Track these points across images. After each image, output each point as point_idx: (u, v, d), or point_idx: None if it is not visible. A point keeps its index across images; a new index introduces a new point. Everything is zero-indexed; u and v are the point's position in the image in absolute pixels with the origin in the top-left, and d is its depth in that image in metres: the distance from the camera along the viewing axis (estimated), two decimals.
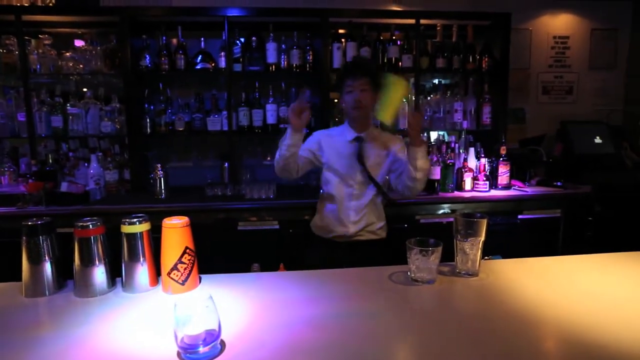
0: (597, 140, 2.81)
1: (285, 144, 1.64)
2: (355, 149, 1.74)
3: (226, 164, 2.59)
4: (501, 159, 2.48)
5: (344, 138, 1.78)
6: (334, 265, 1.32)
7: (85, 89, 2.54)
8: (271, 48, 2.52)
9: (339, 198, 1.76)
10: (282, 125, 2.58)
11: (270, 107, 2.56)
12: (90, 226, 1.02)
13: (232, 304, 0.97)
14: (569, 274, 1.15)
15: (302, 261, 1.83)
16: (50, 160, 2.38)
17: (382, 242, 1.81)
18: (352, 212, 1.74)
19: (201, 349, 0.72)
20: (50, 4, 2.47)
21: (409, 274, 1.10)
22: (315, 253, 1.82)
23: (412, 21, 2.57)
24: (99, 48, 2.49)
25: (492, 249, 1.55)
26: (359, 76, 1.69)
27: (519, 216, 2.37)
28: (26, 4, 2.45)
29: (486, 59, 2.69)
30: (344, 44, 2.56)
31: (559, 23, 3.12)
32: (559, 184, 2.53)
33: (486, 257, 1.32)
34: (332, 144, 1.79)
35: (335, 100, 2.70)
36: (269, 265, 2.05)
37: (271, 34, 2.52)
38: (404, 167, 1.71)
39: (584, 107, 3.20)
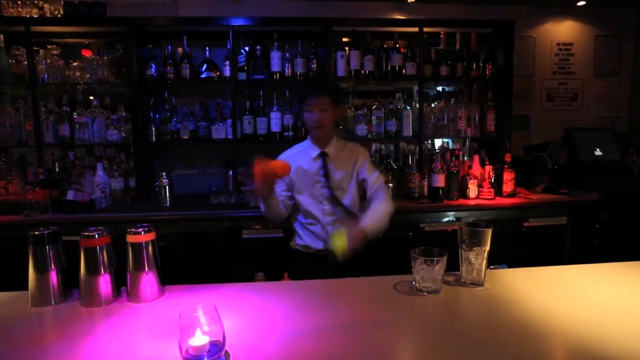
0: (602, 146, 2.80)
1: (264, 210, 1.64)
2: (320, 164, 1.73)
3: (231, 172, 2.60)
4: (506, 166, 2.47)
5: (308, 155, 1.76)
6: (319, 277, 1.28)
7: (91, 98, 2.57)
8: (275, 57, 2.54)
9: (313, 215, 1.73)
10: (286, 134, 2.60)
11: (275, 115, 2.58)
12: (96, 236, 1.03)
13: (236, 314, 0.97)
14: (576, 284, 1.14)
15: (291, 273, 1.81)
16: (57, 169, 2.41)
17: (362, 255, 1.78)
18: (330, 227, 1.73)
19: None
20: (59, 15, 2.51)
21: (413, 283, 1.10)
22: (300, 267, 1.80)
23: (416, 29, 2.59)
24: (105, 58, 2.53)
25: (498, 258, 1.54)
26: (318, 95, 1.66)
27: (525, 224, 2.36)
28: (35, 15, 2.49)
29: (490, 66, 2.70)
30: (347, 52, 2.58)
31: (563, 30, 3.12)
32: (564, 191, 2.52)
33: (492, 267, 1.31)
34: (298, 165, 1.75)
35: None
36: (273, 274, 2.05)
37: (275, 43, 2.54)
38: (367, 187, 1.73)
39: (589, 114, 3.19)
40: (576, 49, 3.14)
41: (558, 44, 3.12)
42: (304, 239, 1.78)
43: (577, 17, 3.11)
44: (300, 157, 1.77)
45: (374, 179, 1.75)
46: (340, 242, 1.47)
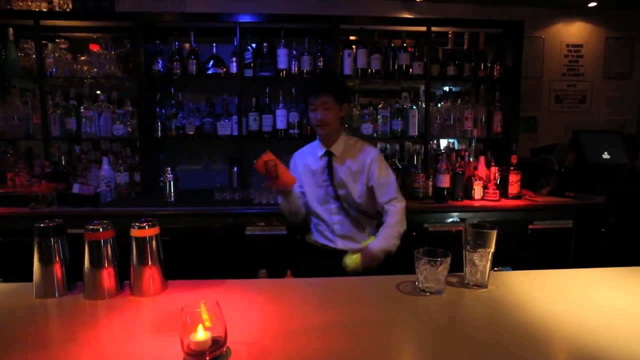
0: (611, 150, 2.77)
1: (282, 205, 1.68)
2: (325, 163, 1.72)
3: (235, 169, 2.61)
4: (512, 167, 2.45)
5: (315, 154, 1.77)
6: (329, 274, 1.30)
7: (98, 92, 2.59)
8: (282, 54, 2.54)
9: (321, 214, 1.74)
10: (291, 131, 2.59)
11: (280, 113, 2.57)
12: (101, 229, 1.04)
13: (239, 310, 0.97)
14: (581, 288, 1.12)
15: (300, 266, 1.82)
16: (63, 162, 2.42)
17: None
18: (337, 226, 1.72)
19: (207, 356, 0.72)
20: (68, 9, 2.52)
21: (416, 283, 1.09)
22: (311, 262, 1.81)
23: (424, 28, 2.57)
24: (113, 52, 2.54)
25: (502, 260, 1.53)
26: (321, 94, 1.66)
27: (530, 226, 2.34)
28: (44, 9, 2.50)
29: (498, 67, 2.67)
30: (354, 50, 2.57)
31: (573, 31, 3.09)
32: (571, 194, 2.49)
33: (496, 269, 1.30)
34: (305, 163, 1.79)
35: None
36: (276, 271, 2.05)
37: (282, 40, 2.54)
38: (378, 195, 1.73)
39: (598, 116, 3.16)
40: (586, 50, 3.10)
41: (568, 46, 3.09)
42: (315, 234, 1.81)
43: (587, 19, 3.07)
44: (309, 155, 1.79)
45: (384, 189, 1.72)
46: (353, 263, 1.53)
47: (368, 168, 1.73)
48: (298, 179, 1.75)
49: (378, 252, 1.56)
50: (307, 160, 1.77)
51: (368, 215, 1.80)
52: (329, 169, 1.72)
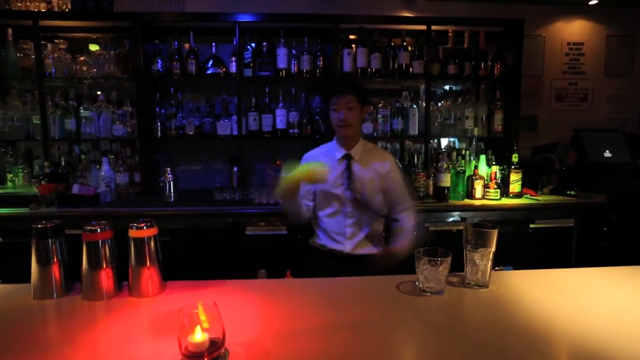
0: (612, 148, 2.75)
1: (283, 205, 1.66)
2: (344, 166, 1.71)
3: (235, 169, 2.60)
4: (513, 166, 2.44)
5: (332, 156, 1.74)
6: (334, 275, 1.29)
7: (98, 93, 2.58)
8: (282, 53, 2.53)
9: (332, 217, 1.72)
10: (291, 131, 2.59)
11: (280, 112, 2.57)
12: (98, 230, 1.03)
13: (237, 311, 0.96)
14: (583, 287, 1.12)
15: (305, 270, 1.81)
16: (63, 163, 2.42)
17: (378, 256, 1.76)
18: (349, 229, 1.71)
19: (205, 358, 0.71)
20: (66, 10, 2.51)
21: (417, 283, 1.09)
22: (317, 265, 1.79)
23: (424, 27, 2.56)
24: (112, 52, 2.53)
25: (503, 260, 1.52)
26: (345, 93, 1.63)
27: (531, 225, 2.33)
28: (43, 10, 2.50)
29: (498, 66, 2.66)
30: (354, 49, 2.56)
31: (574, 29, 3.07)
32: (572, 193, 2.48)
33: (497, 268, 1.29)
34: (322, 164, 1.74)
35: None
36: (275, 271, 2.05)
37: (282, 40, 2.53)
38: (394, 203, 1.73)
39: (599, 115, 3.14)
40: (587, 48, 3.08)
41: (568, 44, 3.07)
42: (321, 238, 1.76)
43: (588, 16, 3.06)
44: (323, 157, 1.75)
45: (401, 198, 1.74)
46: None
47: (387, 175, 1.73)
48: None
49: (401, 250, 1.57)
50: (324, 161, 1.73)
51: (379, 220, 1.79)
52: (349, 172, 1.69)
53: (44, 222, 1.04)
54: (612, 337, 0.84)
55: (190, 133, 2.57)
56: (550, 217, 2.35)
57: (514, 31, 2.64)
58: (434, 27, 2.57)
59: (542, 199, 2.42)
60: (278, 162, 2.61)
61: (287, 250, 2.18)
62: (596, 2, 2.93)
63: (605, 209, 2.39)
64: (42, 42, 2.45)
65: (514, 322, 0.91)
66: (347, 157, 1.71)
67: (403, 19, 2.71)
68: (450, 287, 1.10)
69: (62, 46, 2.53)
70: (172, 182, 2.34)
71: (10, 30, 2.42)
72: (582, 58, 3.09)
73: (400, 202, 1.75)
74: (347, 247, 1.72)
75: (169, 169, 2.37)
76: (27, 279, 1.08)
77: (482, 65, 2.64)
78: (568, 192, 2.50)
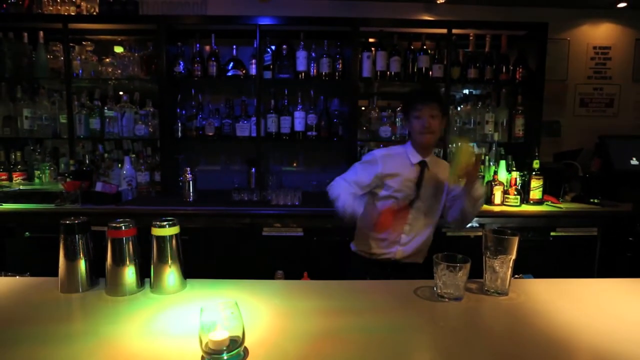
0: (639, 156, 2.67)
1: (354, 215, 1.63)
2: (418, 173, 1.68)
3: (253, 170, 2.63)
4: (534, 173, 2.39)
5: (407, 160, 1.70)
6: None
7: (121, 93, 2.66)
8: (301, 56, 2.55)
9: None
10: (309, 133, 2.60)
11: (299, 115, 2.59)
12: (123, 227, 1.06)
13: (256, 311, 0.97)
14: (606, 299, 1.09)
15: (347, 276, 1.78)
16: (87, 161, 2.49)
17: (419, 265, 1.76)
18: (404, 236, 1.70)
19: (225, 355, 0.73)
20: (94, 13, 2.60)
21: (435, 289, 1.08)
22: (359, 270, 1.76)
23: (444, 31, 2.54)
24: (136, 54, 2.60)
25: (523, 267, 1.49)
26: (430, 102, 1.64)
27: (552, 233, 2.28)
28: (72, 13, 2.59)
29: (520, 70, 2.62)
30: (373, 53, 2.56)
31: (600, 33, 2.99)
32: (596, 201, 2.42)
33: (516, 276, 1.27)
34: (394, 166, 1.70)
35: (363, 108, 2.70)
36: (292, 273, 2.06)
37: (301, 43, 2.55)
38: (457, 201, 1.68)
39: (626, 121, 3.05)
40: (614, 52, 3.00)
41: (594, 48, 2.99)
42: (369, 244, 1.72)
43: (616, 20, 2.98)
44: (399, 160, 1.71)
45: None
46: (464, 158, 1.49)
47: (448, 187, 1.73)
48: (388, 179, 1.70)
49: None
50: (397, 163, 1.70)
51: (433, 229, 1.78)
52: (421, 180, 1.67)
53: (72, 218, 1.08)
54: (636, 350, 0.81)
55: (210, 134, 2.61)
56: (573, 226, 2.29)
57: (538, 35, 2.59)
58: (454, 31, 2.55)
59: (564, 206, 2.36)
60: (295, 164, 2.63)
61: (303, 252, 2.19)
62: (625, 4, 2.85)
63: (631, 219, 2.31)
64: (71, 44, 2.54)
65: (534, 332, 0.89)
66: (423, 164, 1.69)
67: (423, 23, 2.69)
68: (469, 294, 1.08)
69: (89, 48, 2.62)
70: (191, 182, 2.38)
71: (41, 33, 2.52)
72: (609, 62, 3.01)
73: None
74: (398, 254, 1.70)
75: (188, 169, 2.42)
76: (51, 273, 1.12)
77: (504, 70, 2.60)
78: (591, 200, 2.43)
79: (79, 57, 2.57)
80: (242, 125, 2.61)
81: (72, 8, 2.60)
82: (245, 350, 0.77)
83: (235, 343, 0.74)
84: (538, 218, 2.30)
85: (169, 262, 1.07)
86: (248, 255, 2.22)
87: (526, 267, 1.86)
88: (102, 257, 1.08)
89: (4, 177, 2.52)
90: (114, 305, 1.01)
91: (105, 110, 2.57)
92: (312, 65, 2.59)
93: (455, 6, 2.85)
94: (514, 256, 1.08)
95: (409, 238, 1.69)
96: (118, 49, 2.68)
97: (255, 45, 2.54)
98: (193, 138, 2.64)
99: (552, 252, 2.27)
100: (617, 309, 1.02)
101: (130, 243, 1.07)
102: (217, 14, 2.77)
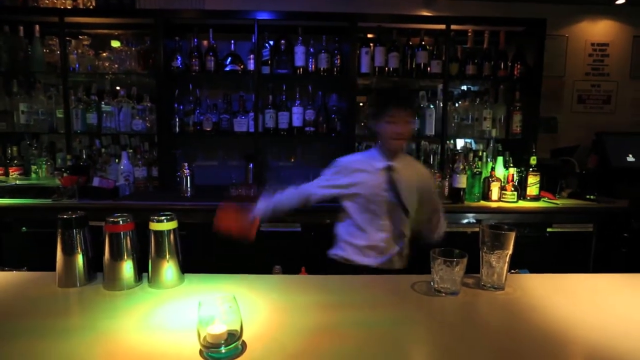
0: (636, 152, 2.68)
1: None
2: (386, 177, 1.65)
3: (251, 165, 2.62)
4: (531, 169, 2.40)
5: (373, 166, 1.68)
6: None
7: (118, 88, 2.64)
8: (299, 51, 2.54)
9: (364, 229, 1.66)
10: (307, 129, 2.60)
11: (297, 110, 2.58)
12: (121, 222, 1.06)
13: (254, 305, 0.98)
14: (601, 293, 1.10)
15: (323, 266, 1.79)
16: (84, 156, 2.48)
17: (401, 271, 1.71)
18: (382, 244, 1.69)
19: (223, 349, 0.73)
20: (91, 7, 2.58)
21: (432, 284, 1.08)
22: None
23: (443, 26, 2.53)
24: (133, 49, 2.58)
25: (519, 263, 1.51)
26: (406, 108, 1.62)
27: (548, 229, 2.29)
28: (69, 7, 2.56)
29: (518, 66, 2.62)
30: (372, 48, 2.56)
31: (598, 29, 3.00)
32: (592, 197, 2.43)
33: (513, 271, 1.28)
34: (360, 173, 1.68)
35: (361, 104, 2.70)
36: (290, 268, 2.07)
37: (300, 38, 2.54)
38: (431, 214, 1.69)
39: (623, 118, 3.06)
40: (612, 49, 3.00)
41: (592, 44, 3.00)
42: (347, 250, 1.70)
43: (614, 16, 2.98)
44: (362, 166, 1.69)
45: (435, 203, 1.73)
46: None
47: (424, 187, 1.70)
48: (353, 186, 1.67)
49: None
50: (363, 170, 1.67)
51: (408, 238, 1.77)
52: (392, 184, 1.65)
53: (69, 212, 1.07)
54: (631, 344, 0.82)
55: (208, 129, 2.60)
56: (569, 222, 2.31)
57: (536, 31, 2.59)
58: (453, 27, 2.54)
59: (560, 202, 2.38)
60: (292, 159, 2.63)
61: (301, 247, 2.20)
62: (623, 1, 2.85)
63: (626, 215, 2.32)
64: (67, 38, 2.52)
65: (529, 326, 0.90)
66: (389, 168, 1.66)
67: (422, 18, 2.68)
68: (466, 289, 1.09)
69: (85, 42, 2.60)
70: (188, 177, 2.38)
71: (37, 26, 2.49)
72: (607, 59, 3.02)
73: (432, 209, 1.71)
74: (376, 261, 1.66)
75: (186, 164, 2.41)
76: (48, 267, 1.12)
77: (502, 66, 2.60)
78: (588, 197, 2.45)
79: (75, 51, 2.55)
80: (240, 121, 2.60)
81: (69, 2, 2.57)
82: (243, 344, 0.78)
83: (233, 337, 0.74)
84: (535, 214, 2.31)
85: (167, 256, 1.07)
86: (245, 250, 2.20)
87: (522, 263, 1.88)
88: (99, 252, 1.08)
89: (0, 172, 2.50)
90: (112, 299, 1.02)
91: (102, 105, 2.56)
92: (310, 60, 2.58)
93: (454, 2, 2.84)
94: (510, 251, 1.08)
95: (385, 245, 1.65)
96: (115, 43, 2.66)
97: (253, 40, 2.53)
98: (191, 133, 2.64)
99: (548, 248, 2.29)
100: (612, 304, 1.03)
101: (128, 238, 1.07)
102: (215, 8, 2.74)
